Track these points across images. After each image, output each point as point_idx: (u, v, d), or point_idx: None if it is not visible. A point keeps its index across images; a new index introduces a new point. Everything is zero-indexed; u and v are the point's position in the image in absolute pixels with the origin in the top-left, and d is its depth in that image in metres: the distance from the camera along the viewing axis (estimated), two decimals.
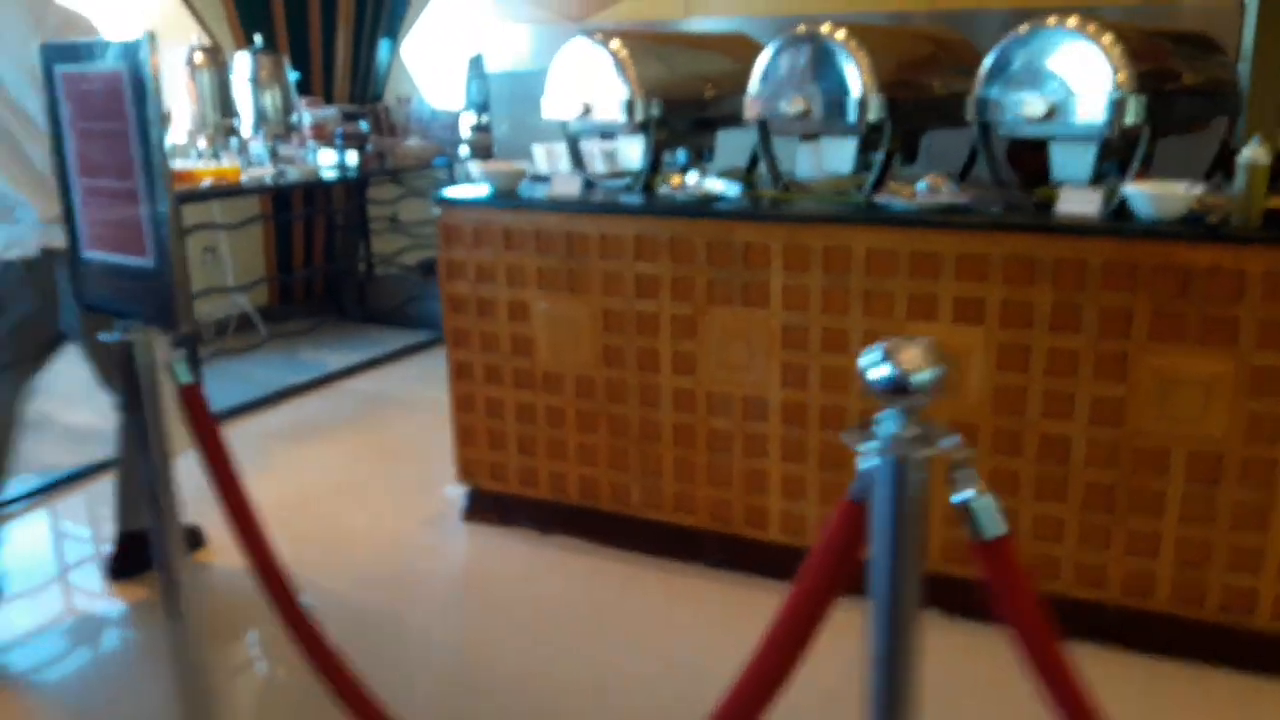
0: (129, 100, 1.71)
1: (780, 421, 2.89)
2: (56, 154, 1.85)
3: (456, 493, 3.58)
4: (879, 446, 1.16)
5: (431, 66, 7.28)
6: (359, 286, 6.45)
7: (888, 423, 1.16)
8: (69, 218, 1.87)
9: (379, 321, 6.16)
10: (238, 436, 4.31)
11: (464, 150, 6.10)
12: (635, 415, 3.11)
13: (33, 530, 3.55)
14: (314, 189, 6.08)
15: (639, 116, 3.09)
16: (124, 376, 1.85)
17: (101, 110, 1.76)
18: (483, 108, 6.22)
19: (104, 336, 1.85)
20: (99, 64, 1.76)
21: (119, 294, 1.83)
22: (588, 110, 3.20)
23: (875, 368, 1.15)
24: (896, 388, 1.14)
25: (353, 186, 6.26)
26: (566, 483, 3.27)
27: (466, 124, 6.25)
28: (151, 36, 1.73)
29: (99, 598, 3.09)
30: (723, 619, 2.87)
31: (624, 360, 3.09)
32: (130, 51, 1.71)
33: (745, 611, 2.89)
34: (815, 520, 2.90)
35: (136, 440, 1.81)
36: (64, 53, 1.82)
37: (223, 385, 4.85)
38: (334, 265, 6.47)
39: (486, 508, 3.44)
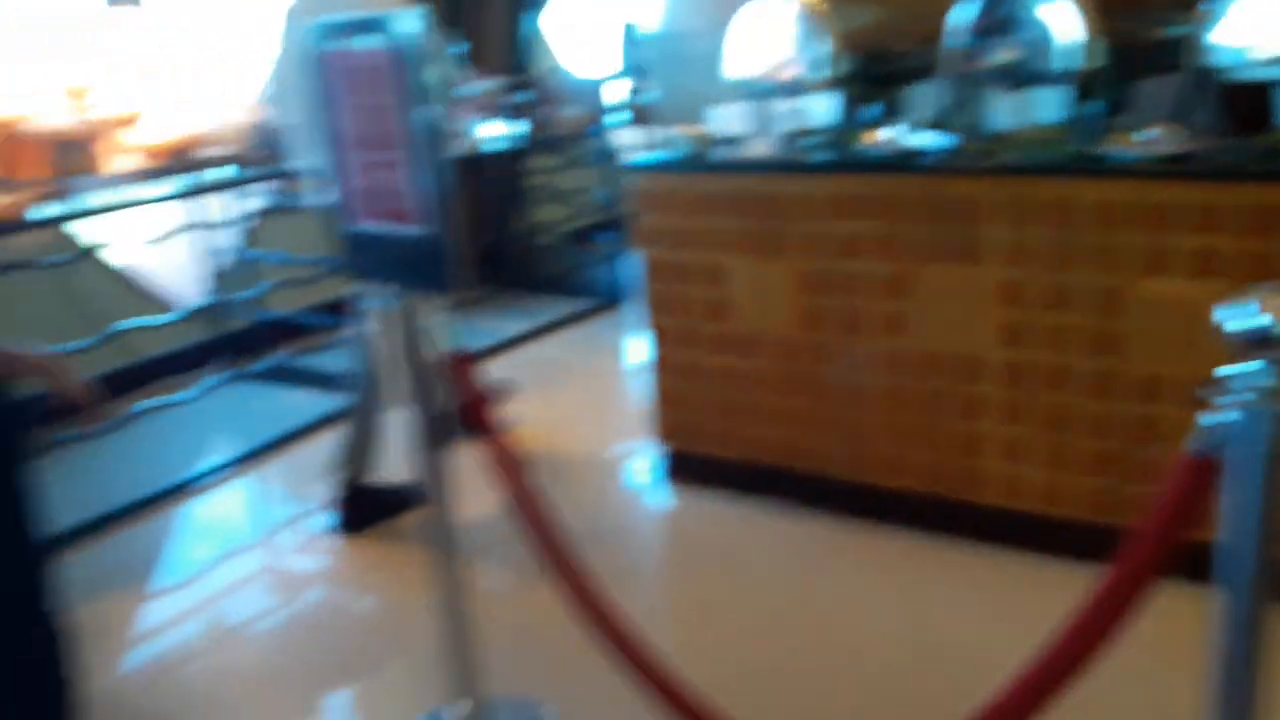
0: (398, 74, 1.76)
1: (1000, 382, 2.81)
2: (326, 130, 1.92)
3: (652, 454, 3.61)
4: (1245, 399, 1.11)
5: (570, 36, 7.31)
6: (522, 256, 6.54)
7: (1253, 374, 1.11)
8: (341, 193, 1.95)
9: (542, 290, 6.24)
10: None
11: (618, 117, 6.11)
12: (839, 376, 3.07)
13: (245, 493, 3.74)
14: (478, 160, 6.18)
15: (836, 72, 3.04)
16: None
17: (371, 85, 1.82)
18: (638, 73, 6.21)
19: (372, 302, 1.93)
20: (368, 40, 1.81)
21: (389, 262, 1.90)
22: (777, 68, 3.16)
23: (1242, 318, 1.10)
24: (1266, 338, 1.09)
25: (513, 157, 6.34)
26: (767, 445, 3.26)
27: (620, 91, 6.25)
28: (421, 11, 1.77)
29: (337, 554, 3.24)
30: (935, 582, 2.83)
31: (827, 322, 3.06)
32: (397, 25, 1.75)
33: (956, 575, 2.85)
34: (1039, 483, 2.81)
35: (420, 403, 1.89)
36: (331, 31, 1.88)
37: None
38: (498, 235, 6.57)
39: (688, 469, 3.46)
